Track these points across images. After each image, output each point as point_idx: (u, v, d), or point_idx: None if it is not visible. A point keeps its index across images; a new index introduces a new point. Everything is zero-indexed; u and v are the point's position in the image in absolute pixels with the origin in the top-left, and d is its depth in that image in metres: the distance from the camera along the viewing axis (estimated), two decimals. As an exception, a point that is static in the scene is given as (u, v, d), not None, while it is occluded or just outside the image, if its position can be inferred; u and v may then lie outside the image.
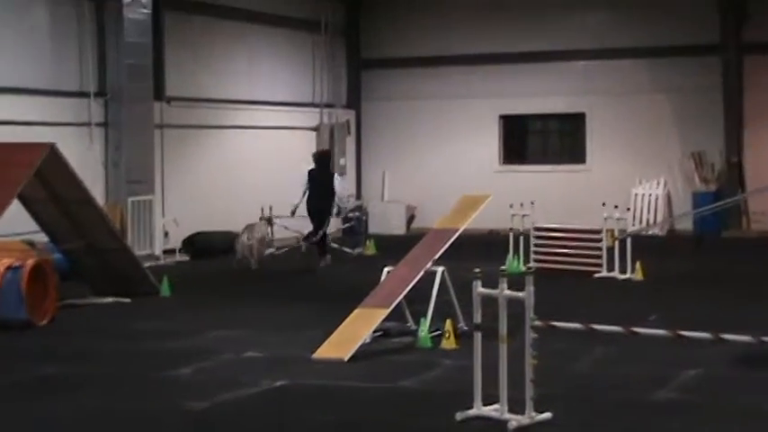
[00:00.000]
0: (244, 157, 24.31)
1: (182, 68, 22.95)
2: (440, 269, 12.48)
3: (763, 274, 17.91)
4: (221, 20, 24.10)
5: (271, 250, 21.48)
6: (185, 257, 21.60)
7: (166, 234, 21.59)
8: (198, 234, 21.94)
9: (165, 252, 21.30)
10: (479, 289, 8.95)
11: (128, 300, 15.82)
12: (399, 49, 28.51)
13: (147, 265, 17.86)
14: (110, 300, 15.81)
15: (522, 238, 19.29)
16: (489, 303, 8.87)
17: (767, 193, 22.91)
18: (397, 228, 26.09)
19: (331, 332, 11.88)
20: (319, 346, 11.64)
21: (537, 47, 27.19)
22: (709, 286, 17.09)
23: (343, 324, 12.00)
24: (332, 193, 20.00)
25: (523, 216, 19.67)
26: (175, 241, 21.79)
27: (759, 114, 25.79)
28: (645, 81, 26.71)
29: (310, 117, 27.06)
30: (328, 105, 27.63)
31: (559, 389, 9.64)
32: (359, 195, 28.27)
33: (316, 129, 27.12)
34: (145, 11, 20.85)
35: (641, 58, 26.71)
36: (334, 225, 22.23)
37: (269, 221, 20.87)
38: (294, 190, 20.22)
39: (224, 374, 10.91)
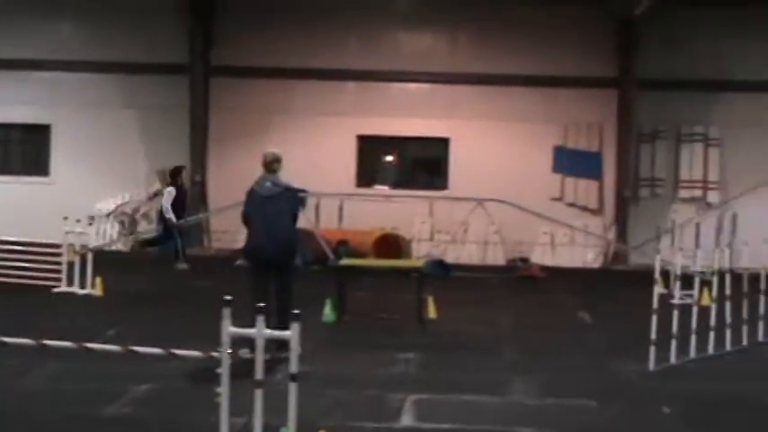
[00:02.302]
0: None
1: None
2: None
3: (219, 291, 18.40)
4: None
5: None
6: None
7: None
8: None
9: None
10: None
11: None
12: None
13: None
14: None
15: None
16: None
17: (228, 212, 23.69)
18: None
19: None
20: None
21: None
22: (168, 303, 17.37)
23: None
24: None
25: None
26: None
27: (223, 135, 26.66)
28: (113, 96, 26.76)
29: None
30: None
31: (9, 406, 9.41)
32: None
33: None
34: None
35: (109, 73, 26.75)
36: None
37: None
38: None
39: None
